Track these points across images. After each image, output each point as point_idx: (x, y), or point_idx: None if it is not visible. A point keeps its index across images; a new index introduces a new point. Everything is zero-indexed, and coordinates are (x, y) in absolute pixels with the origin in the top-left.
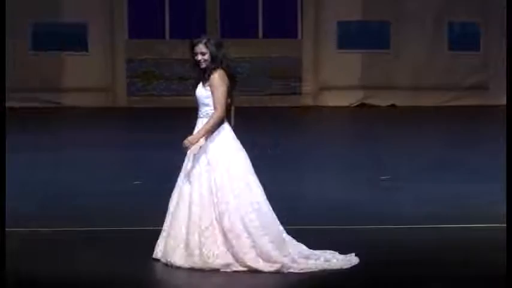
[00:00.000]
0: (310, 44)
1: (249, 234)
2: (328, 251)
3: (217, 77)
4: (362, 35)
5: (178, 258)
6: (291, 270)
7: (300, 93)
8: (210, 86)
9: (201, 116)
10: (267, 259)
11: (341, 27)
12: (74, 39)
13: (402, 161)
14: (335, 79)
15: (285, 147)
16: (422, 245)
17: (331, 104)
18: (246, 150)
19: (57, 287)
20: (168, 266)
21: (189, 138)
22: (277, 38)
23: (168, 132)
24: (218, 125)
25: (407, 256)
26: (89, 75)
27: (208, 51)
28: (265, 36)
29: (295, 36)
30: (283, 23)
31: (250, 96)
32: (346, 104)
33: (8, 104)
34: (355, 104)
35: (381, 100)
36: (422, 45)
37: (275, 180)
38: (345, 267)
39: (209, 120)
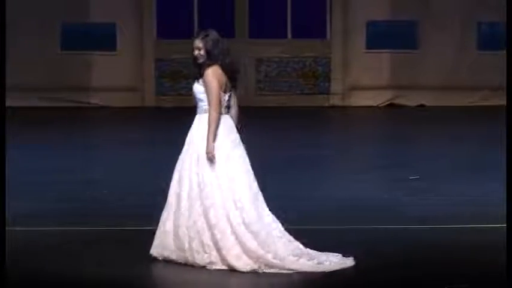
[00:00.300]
0: (339, 44)
1: (233, 230)
2: (326, 253)
3: (210, 73)
4: (390, 35)
5: (170, 253)
6: (273, 270)
7: (329, 93)
8: (204, 82)
9: (198, 112)
10: (251, 255)
11: (369, 27)
12: (103, 39)
13: (430, 161)
14: (363, 79)
15: (314, 147)
16: (451, 245)
17: (359, 104)
18: (273, 150)
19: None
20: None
21: (206, 150)
22: (306, 38)
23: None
24: (217, 121)
25: (430, 255)
26: (117, 75)
27: (204, 47)
28: (294, 36)
29: (324, 36)
30: (312, 23)
31: (279, 96)
32: (374, 104)
33: (37, 104)
34: (383, 104)
35: (409, 100)
36: (451, 45)
37: (303, 180)
38: (335, 269)
39: (208, 122)
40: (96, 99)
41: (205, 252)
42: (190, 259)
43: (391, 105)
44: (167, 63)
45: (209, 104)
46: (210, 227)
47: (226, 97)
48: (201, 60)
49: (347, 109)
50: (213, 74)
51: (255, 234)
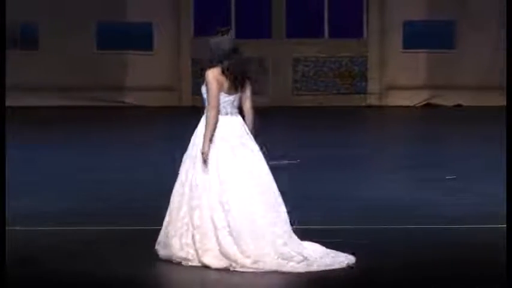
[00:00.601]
0: (376, 43)
1: (216, 233)
2: (333, 253)
3: (209, 75)
4: (427, 35)
5: (161, 248)
6: (245, 270)
7: (365, 93)
8: (205, 83)
9: (204, 112)
10: (228, 258)
11: (406, 27)
12: (139, 38)
13: (465, 161)
14: (400, 79)
15: (350, 146)
16: (483, 245)
17: (396, 103)
18: (309, 149)
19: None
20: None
21: (201, 150)
22: (342, 37)
23: None
24: (215, 122)
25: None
26: (154, 75)
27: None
28: (331, 36)
29: (361, 36)
30: (348, 23)
31: (316, 96)
32: (411, 103)
33: (73, 103)
34: (420, 104)
35: (446, 100)
36: (488, 45)
37: (339, 179)
38: (320, 269)
39: (205, 123)
40: (132, 99)
41: (182, 249)
42: (170, 254)
43: (427, 105)
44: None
45: (207, 104)
46: (193, 228)
47: (232, 98)
48: None
49: (384, 109)
50: (212, 75)
51: (238, 239)
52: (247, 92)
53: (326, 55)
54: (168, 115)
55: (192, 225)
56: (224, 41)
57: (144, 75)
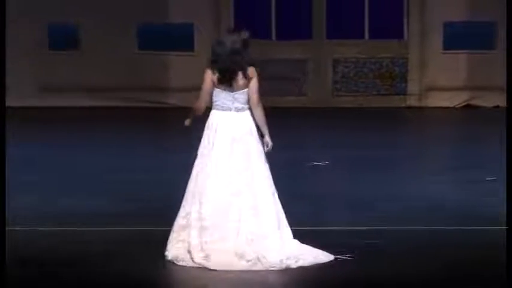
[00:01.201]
0: (416, 44)
1: (190, 224)
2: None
3: (204, 75)
4: (467, 36)
5: None
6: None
7: (405, 94)
8: None
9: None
10: (190, 251)
11: (447, 28)
12: (180, 39)
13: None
14: (440, 80)
15: (390, 147)
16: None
17: (436, 104)
18: (349, 150)
19: None
20: None
21: None
22: (383, 38)
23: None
24: (195, 112)
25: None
26: (195, 75)
27: None
28: (371, 37)
29: (401, 37)
30: (389, 24)
31: (356, 97)
32: (451, 105)
33: (114, 104)
34: (460, 105)
35: (486, 101)
36: None
37: (379, 180)
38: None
39: None
40: (173, 100)
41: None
42: None
43: (467, 106)
44: None
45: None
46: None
47: (229, 93)
48: None
49: (424, 110)
50: (205, 76)
51: (202, 230)
52: (251, 87)
53: (366, 56)
54: (207, 116)
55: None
56: (222, 41)
57: (185, 76)
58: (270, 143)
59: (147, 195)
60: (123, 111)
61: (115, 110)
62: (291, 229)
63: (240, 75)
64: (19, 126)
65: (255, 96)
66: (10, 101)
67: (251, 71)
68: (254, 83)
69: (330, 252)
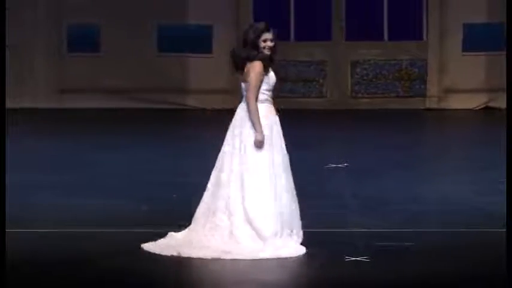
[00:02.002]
0: (435, 46)
1: None
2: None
3: None
4: (487, 37)
5: None
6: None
7: (425, 96)
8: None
9: (271, 102)
10: None
11: (466, 29)
12: (199, 41)
13: None
14: (460, 82)
15: (409, 149)
16: None
17: (455, 106)
18: (368, 152)
19: None
20: None
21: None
22: (402, 40)
23: (293, 134)
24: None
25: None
26: (213, 77)
27: (274, 40)
28: (390, 38)
29: (420, 38)
30: (408, 25)
31: (374, 99)
32: (470, 106)
33: (133, 105)
34: (479, 107)
35: (506, 103)
36: None
37: (399, 182)
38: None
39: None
40: (192, 101)
41: None
42: None
43: (486, 108)
44: None
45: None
46: None
47: (242, 85)
48: (270, 52)
49: (443, 112)
50: None
51: (192, 226)
52: (247, 82)
53: (385, 58)
54: (227, 118)
55: None
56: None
57: (204, 77)
58: (257, 138)
59: (164, 196)
60: (142, 113)
61: (134, 111)
62: (307, 231)
63: (244, 67)
64: (37, 127)
65: (246, 93)
66: (28, 103)
67: (250, 65)
68: (250, 79)
69: (345, 254)
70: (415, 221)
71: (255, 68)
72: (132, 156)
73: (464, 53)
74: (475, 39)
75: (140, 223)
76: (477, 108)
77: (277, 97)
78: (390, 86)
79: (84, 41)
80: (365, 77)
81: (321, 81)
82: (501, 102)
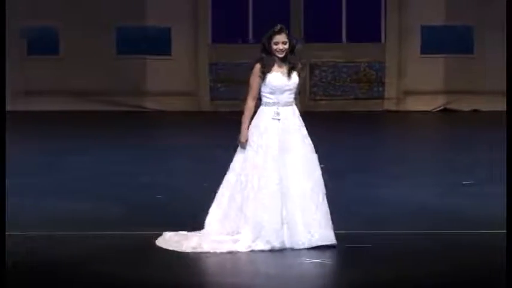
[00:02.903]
0: (394, 48)
1: None
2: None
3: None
4: (446, 40)
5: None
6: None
7: (383, 98)
8: (298, 74)
9: (291, 103)
10: None
11: (425, 32)
12: (157, 42)
13: (485, 166)
14: (418, 84)
15: (368, 152)
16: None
17: (413, 108)
18: (327, 155)
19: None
20: None
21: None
22: (360, 42)
23: None
24: None
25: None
26: (172, 80)
27: (288, 42)
28: (348, 40)
29: (379, 41)
30: (367, 27)
31: (333, 101)
32: (428, 109)
33: (92, 108)
34: (437, 109)
35: (464, 105)
36: (506, 49)
37: (358, 185)
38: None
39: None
40: (151, 104)
41: None
42: None
43: (444, 110)
44: (222, 68)
45: (298, 94)
46: None
47: None
48: (283, 54)
49: (401, 114)
50: None
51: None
52: None
53: (344, 60)
54: (186, 120)
55: None
56: None
57: (163, 80)
58: (239, 139)
59: (128, 198)
60: (101, 115)
61: (93, 114)
62: None
63: None
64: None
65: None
66: None
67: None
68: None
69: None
70: (374, 223)
71: (252, 69)
72: (96, 159)
73: (422, 56)
74: (433, 41)
75: (109, 226)
76: (435, 110)
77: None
78: (349, 88)
79: (43, 43)
80: (323, 79)
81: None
82: (460, 105)
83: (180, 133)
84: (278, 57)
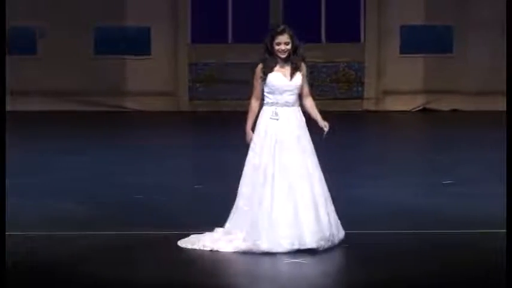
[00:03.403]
0: (373, 48)
1: None
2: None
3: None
4: (425, 39)
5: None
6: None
7: (362, 98)
8: (302, 74)
9: (292, 104)
10: None
11: (404, 31)
12: (137, 43)
13: (465, 165)
14: (397, 84)
15: (347, 151)
16: (485, 249)
17: (393, 108)
18: None
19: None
20: None
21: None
22: (339, 42)
23: (230, 136)
24: None
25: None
26: (151, 80)
27: (291, 42)
28: (328, 40)
29: (358, 41)
30: (346, 27)
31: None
32: (408, 108)
33: (71, 108)
34: (417, 109)
35: (443, 105)
36: (485, 50)
37: (337, 184)
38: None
39: (314, 108)
40: (130, 104)
41: None
42: None
43: (424, 110)
44: (201, 68)
45: (309, 92)
46: None
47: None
48: (286, 55)
49: (381, 114)
50: None
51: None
52: None
53: (323, 60)
54: (165, 120)
55: None
56: None
57: (142, 80)
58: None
59: (105, 198)
60: (80, 116)
61: (72, 114)
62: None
63: None
64: None
65: None
66: None
67: None
68: None
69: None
70: (354, 223)
71: (255, 70)
72: (75, 159)
73: (401, 55)
74: (413, 41)
75: (91, 226)
76: (415, 110)
77: (216, 99)
78: (328, 88)
79: (22, 43)
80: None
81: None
82: (439, 104)
83: (158, 133)
84: (280, 58)
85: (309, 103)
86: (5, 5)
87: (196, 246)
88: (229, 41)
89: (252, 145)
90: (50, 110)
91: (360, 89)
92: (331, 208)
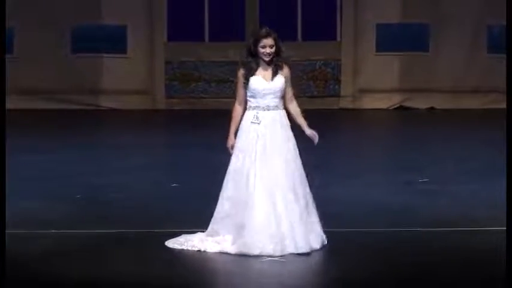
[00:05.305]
0: (349, 46)
1: None
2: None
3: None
4: (401, 38)
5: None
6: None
7: (339, 96)
8: (285, 76)
9: (274, 108)
10: None
11: (380, 30)
12: (113, 41)
13: (440, 164)
14: (374, 82)
15: (324, 150)
16: (462, 247)
17: (369, 106)
18: None
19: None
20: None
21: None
22: (315, 40)
23: (206, 135)
24: None
25: (440, 258)
26: (128, 78)
27: (275, 45)
28: (304, 38)
29: (334, 39)
30: (322, 25)
31: None
32: (384, 106)
33: (47, 106)
34: (393, 107)
35: (420, 103)
36: (461, 48)
37: (312, 182)
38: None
39: (299, 111)
40: (106, 102)
41: None
42: None
43: (400, 108)
44: (178, 66)
45: (293, 94)
46: None
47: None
48: (269, 58)
49: (357, 112)
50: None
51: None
52: None
53: (299, 58)
54: (142, 118)
55: None
56: None
57: (118, 78)
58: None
59: (81, 197)
60: (56, 114)
61: (48, 112)
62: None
63: None
64: None
65: None
66: None
67: None
68: None
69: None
70: (328, 221)
71: (237, 75)
72: (49, 158)
73: (377, 53)
74: (389, 39)
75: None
76: (391, 108)
77: (192, 98)
78: (304, 86)
79: None
80: None
81: (234, 81)
82: (416, 102)
83: (134, 131)
84: (264, 60)
85: (294, 110)
86: (5, 5)
87: (184, 247)
88: (206, 39)
89: (234, 149)
90: (26, 109)
91: (336, 87)
92: (314, 212)
